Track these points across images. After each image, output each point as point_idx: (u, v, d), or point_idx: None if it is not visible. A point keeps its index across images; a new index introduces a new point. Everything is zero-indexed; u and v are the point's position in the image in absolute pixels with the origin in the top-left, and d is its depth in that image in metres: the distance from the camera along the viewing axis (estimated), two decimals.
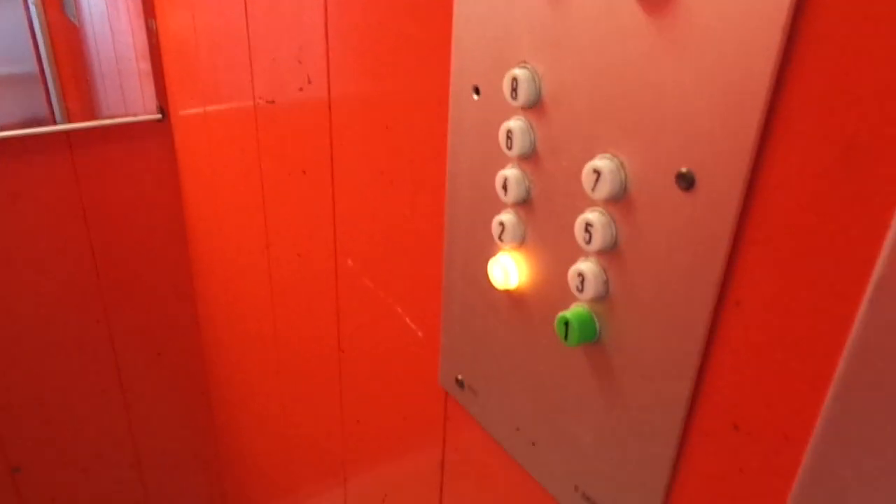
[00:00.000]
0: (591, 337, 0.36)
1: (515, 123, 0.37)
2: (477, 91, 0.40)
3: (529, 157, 0.37)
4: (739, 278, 0.29)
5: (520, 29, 0.36)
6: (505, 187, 0.39)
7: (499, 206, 0.40)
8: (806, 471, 0.26)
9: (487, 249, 0.43)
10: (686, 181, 0.29)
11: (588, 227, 0.34)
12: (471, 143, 0.42)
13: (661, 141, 0.30)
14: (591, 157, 0.33)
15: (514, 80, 0.36)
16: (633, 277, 0.33)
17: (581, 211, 0.34)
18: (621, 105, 0.31)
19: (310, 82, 0.60)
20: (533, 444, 0.44)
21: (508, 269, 0.40)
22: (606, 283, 0.34)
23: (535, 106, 0.36)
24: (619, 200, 0.32)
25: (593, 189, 0.33)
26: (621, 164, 0.32)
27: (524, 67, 0.36)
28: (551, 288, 0.38)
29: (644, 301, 0.33)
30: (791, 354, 0.27)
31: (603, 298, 0.35)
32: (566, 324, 0.36)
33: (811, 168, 0.25)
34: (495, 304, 0.43)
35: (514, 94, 0.36)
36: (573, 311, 0.36)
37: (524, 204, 0.39)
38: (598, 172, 0.32)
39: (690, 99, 0.28)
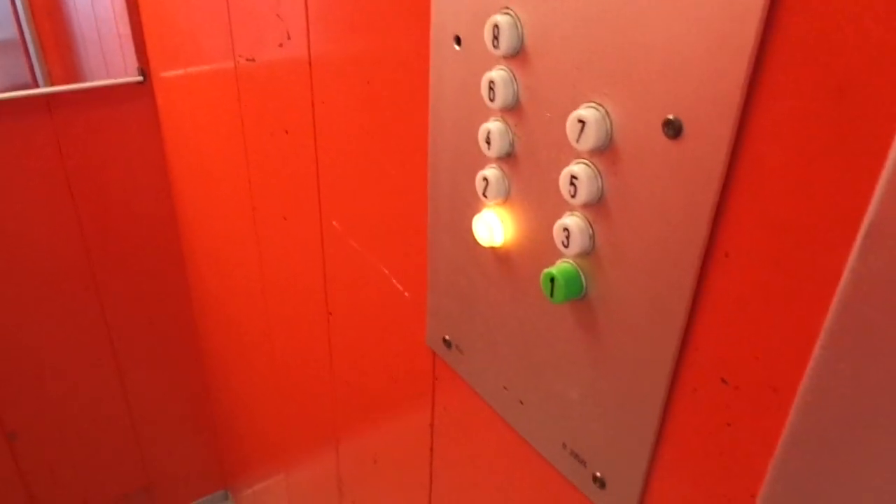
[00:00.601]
0: (577, 293, 0.35)
1: (497, 74, 0.35)
2: (458, 41, 0.39)
3: (513, 109, 0.36)
4: (728, 229, 0.28)
5: None
6: (488, 141, 0.37)
7: (482, 161, 0.39)
8: (793, 423, 0.25)
9: (472, 206, 0.41)
10: (673, 129, 0.28)
11: (573, 179, 0.33)
12: (453, 96, 0.40)
13: (647, 88, 0.29)
14: (575, 108, 0.32)
15: (496, 27, 0.34)
16: (620, 231, 0.32)
17: (566, 164, 0.33)
18: (606, 52, 0.30)
19: (289, 38, 0.59)
20: (520, 402, 0.43)
21: (493, 226, 0.39)
22: (592, 237, 0.33)
23: (517, 55, 0.35)
24: (605, 151, 0.31)
25: (578, 140, 0.32)
26: (606, 113, 0.31)
27: (506, 13, 0.34)
28: (537, 244, 0.37)
29: (630, 255, 0.32)
30: (780, 306, 0.26)
31: (589, 253, 0.34)
32: (552, 280, 0.35)
33: (802, 113, 0.24)
34: (480, 262, 0.43)
35: (495, 43, 0.35)
36: (559, 267, 0.35)
37: (508, 158, 0.37)
38: (582, 122, 0.31)
39: (677, 44, 0.27)
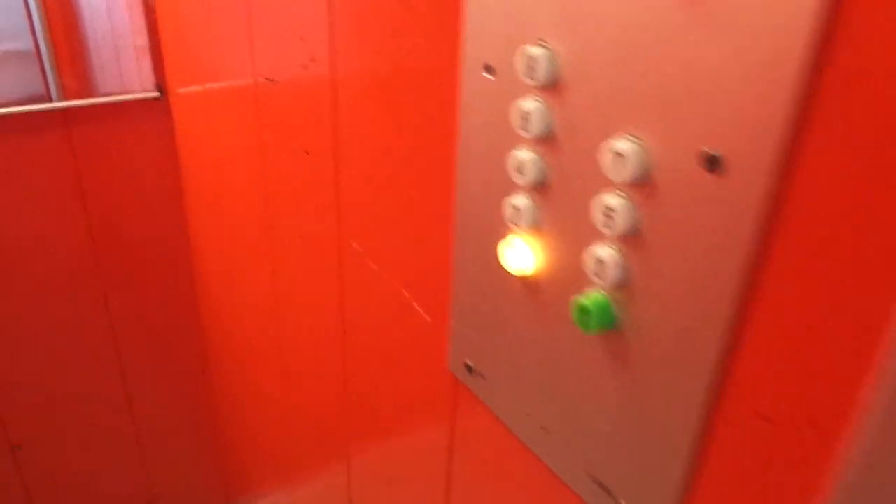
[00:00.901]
0: (609, 324, 0.35)
1: (532, 104, 0.36)
2: (490, 70, 0.39)
3: (546, 139, 0.36)
4: (771, 266, 0.28)
5: (536, 4, 0.34)
6: (520, 170, 0.38)
7: (512, 189, 0.39)
8: (852, 466, 0.25)
9: (500, 233, 0.41)
10: (712, 163, 0.28)
11: (608, 210, 0.33)
12: (483, 123, 0.41)
13: (685, 121, 0.29)
14: (610, 139, 0.32)
15: (531, 59, 0.35)
16: (654, 264, 0.32)
17: (600, 194, 0.33)
18: (644, 83, 0.30)
19: (313, 60, 0.59)
20: (544, 429, 0.43)
21: (523, 254, 0.39)
22: (626, 269, 0.33)
23: (552, 86, 0.35)
24: (641, 183, 0.31)
25: (614, 171, 0.32)
26: (643, 145, 0.31)
27: (542, 46, 0.34)
28: (567, 273, 0.37)
29: (665, 289, 0.32)
30: (825, 347, 0.26)
31: (622, 285, 0.34)
32: (584, 310, 0.35)
33: (853, 154, 0.24)
34: (508, 289, 0.43)
35: (530, 74, 0.35)
36: (591, 297, 0.35)
37: (540, 187, 0.37)
38: (619, 154, 0.31)
39: (717, 76, 0.27)
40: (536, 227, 0.39)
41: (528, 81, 0.35)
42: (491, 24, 0.38)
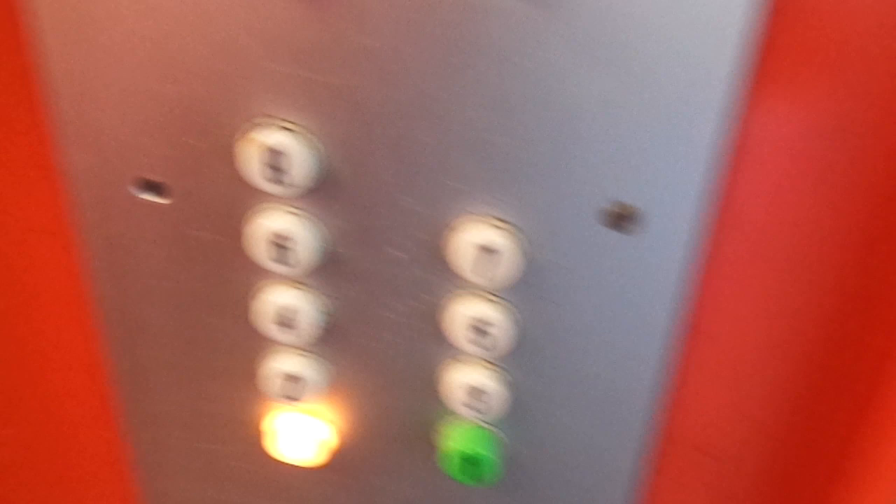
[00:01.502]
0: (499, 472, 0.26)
1: (288, 220, 0.22)
2: (154, 188, 0.22)
3: (324, 266, 0.23)
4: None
5: (256, 50, 0.20)
6: (286, 324, 0.23)
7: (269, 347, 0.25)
8: None
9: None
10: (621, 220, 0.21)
11: (482, 325, 0.23)
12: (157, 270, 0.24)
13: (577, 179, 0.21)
14: (467, 229, 0.22)
15: (271, 151, 0.21)
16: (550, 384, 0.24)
17: (459, 308, 0.23)
18: (498, 142, 0.21)
19: None
20: None
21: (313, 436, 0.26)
22: (514, 395, 0.25)
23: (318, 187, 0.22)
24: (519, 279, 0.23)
25: (481, 273, 0.22)
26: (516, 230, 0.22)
27: (287, 129, 0.21)
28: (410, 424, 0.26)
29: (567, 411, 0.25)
30: None
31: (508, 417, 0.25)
32: (471, 460, 0.25)
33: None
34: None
35: (273, 177, 0.21)
36: (473, 440, 0.25)
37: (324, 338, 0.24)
38: (488, 249, 0.22)
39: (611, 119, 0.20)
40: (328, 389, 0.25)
41: (272, 188, 0.21)
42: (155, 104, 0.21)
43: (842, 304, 0.23)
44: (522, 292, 0.23)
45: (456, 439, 0.25)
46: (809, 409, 0.25)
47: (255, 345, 0.25)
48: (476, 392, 0.24)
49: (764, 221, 0.22)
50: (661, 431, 0.26)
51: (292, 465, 0.27)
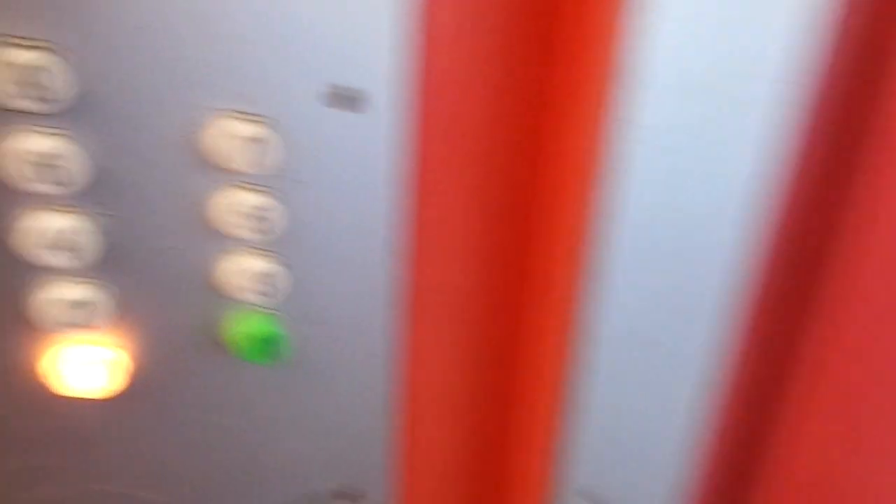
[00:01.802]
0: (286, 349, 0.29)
1: (55, 142, 0.22)
2: None
3: (92, 188, 0.24)
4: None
5: None
6: (66, 248, 0.24)
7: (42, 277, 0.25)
8: None
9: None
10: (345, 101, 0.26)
11: (257, 212, 0.26)
12: None
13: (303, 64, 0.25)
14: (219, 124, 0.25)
15: (27, 70, 0.21)
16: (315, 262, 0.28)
17: (227, 196, 0.26)
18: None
19: None
20: None
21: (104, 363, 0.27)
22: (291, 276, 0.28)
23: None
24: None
25: (247, 162, 0.25)
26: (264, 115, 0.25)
27: (37, 48, 0.21)
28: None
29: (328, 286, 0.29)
30: None
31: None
32: (267, 340, 0.28)
33: None
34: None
35: (33, 95, 0.22)
36: (260, 323, 0.28)
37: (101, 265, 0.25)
38: (254, 140, 0.25)
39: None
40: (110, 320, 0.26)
41: (37, 107, 0.22)
42: None
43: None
44: (280, 180, 0.26)
45: (249, 325, 0.28)
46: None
47: (28, 276, 0.24)
48: (262, 277, 0.27)
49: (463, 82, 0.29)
50: (406, 280, 0.31)
51: (86, 400, 0.27)
